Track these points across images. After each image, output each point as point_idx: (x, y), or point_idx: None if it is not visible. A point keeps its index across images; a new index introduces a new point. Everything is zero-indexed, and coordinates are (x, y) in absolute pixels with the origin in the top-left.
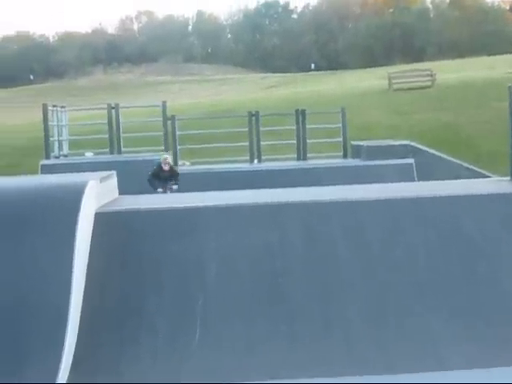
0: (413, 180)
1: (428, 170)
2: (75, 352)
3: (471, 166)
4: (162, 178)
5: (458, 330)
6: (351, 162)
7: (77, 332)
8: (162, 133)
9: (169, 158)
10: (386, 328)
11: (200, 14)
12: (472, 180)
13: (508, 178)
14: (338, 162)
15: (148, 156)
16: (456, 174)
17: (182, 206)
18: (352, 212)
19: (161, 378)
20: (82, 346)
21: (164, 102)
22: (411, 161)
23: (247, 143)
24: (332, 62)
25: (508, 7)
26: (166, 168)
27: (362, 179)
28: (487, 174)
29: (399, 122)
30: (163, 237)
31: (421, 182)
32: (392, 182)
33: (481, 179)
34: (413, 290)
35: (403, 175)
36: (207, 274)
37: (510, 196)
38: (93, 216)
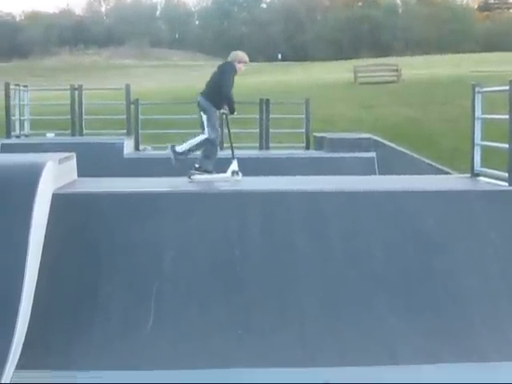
0: (374, 173)
1: (389, 164)
2: (27, 335)
3: (433, 163)
4: None
5: (413, 325)
6: (313, 153)
7: (29, 315)
8: (124, 116)
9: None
10: (340, 320)
11: None
12: (432, 176)
13: (468, 175)
14: (301, 152)
15: (109, 139)
16: (417, 169)
17: (141, 190)
18: (312, 203)
19: (113, 363)
20: (35, 329)
21: (128, 85)
22: (373, 154)
23: None
24: (299, 53)
25: (476, 6)
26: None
27: (324, 171)
28: (448, 170)
29: (363, 115)
30: (121, 221)
31: (381, 176)
32: (353, 174)
33: (441, 175)
34: (369, 283)
35: (365, 168)
36: (164, 259)
37: (469, 193)
38: (50, 197)
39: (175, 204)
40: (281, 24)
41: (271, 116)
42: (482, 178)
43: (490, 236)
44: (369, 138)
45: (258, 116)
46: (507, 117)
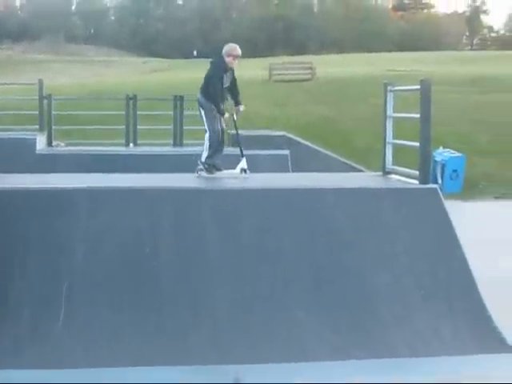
0: (287, 171)
1: (303, 161)
2: None
3: (346, 161)
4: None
5: (323, 321)
6: (228, 150)
7: None
8: (37, 112)
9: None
10: (252, 316)
11: None
12: (344, 174)
13: (380, 173)
14: None
15: (21, 134)
16: (331, 167)
17: (51, 186)
18: (224, 200)
19: (22, 361)
20: None
21: (41, 80)
22: (287, 152)
23: (124, 126)
24: (215, 51)
25: (391, 6)
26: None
27: None
28: (361, 168)
29: (277, 113)
30: (30, 218)
31: (294, 173)
32: (267, 171)
33: (353, 173)
34: (280, 279)
35: (278, 166)
36: (75, 257)
37: (381, 191)
38: None
39: (86, 200)
40: (197, 21)
41: (185, 113)
42: (393, 176)
43: (399, 233)
44: (283, 136)
45: (172, 112)
46: (418, 116)
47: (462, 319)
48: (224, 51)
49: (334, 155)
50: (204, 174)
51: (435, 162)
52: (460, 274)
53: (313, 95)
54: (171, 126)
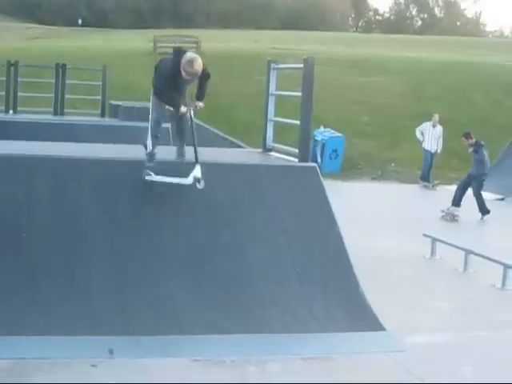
0: (168, 144)
1: None
2: None
3: (227, 136)
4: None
5: (200, 297)
6: (108, 121)
7: None
8: None
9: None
10: (127, 291)
11: None
12: (225, 149)
13: (260, 150)
14: (96, 120)
15: None
16: (211, 142)
17: None
18: (103, 171)
19: None
20: None
21: None
22: (167, 125)
23: (3, 93)
24: (100, 20)
25: None
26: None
27: (119, 139)
28: (242, 145)
29: None
30: None
31: (175, 147)
32: None
33: (234, 149)
34: (158, 255)
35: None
36: None
37: (260, 168)
38: None
39: None
40: None
41: (67, 81)
42: (273, 154)
43: (278, 211)
44: None
45: (53, 81)
46: (300, 94)
47: (336, 297)
48: (182, 61)
49: (215, 130)
50: (153, 177)
51: (315, 141)
52: (335, 252)
53: None
54: (52, 94)
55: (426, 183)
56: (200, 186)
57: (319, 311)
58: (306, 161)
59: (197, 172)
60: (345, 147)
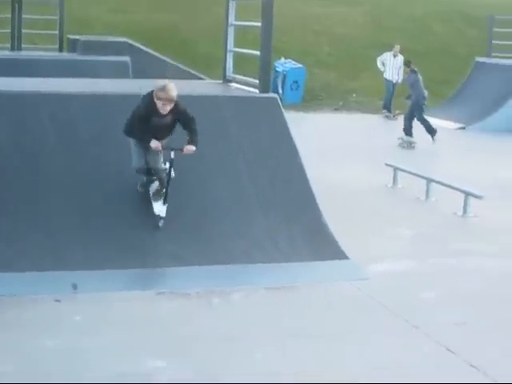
0: (128, 77)
1: (144, 68)
2: None
3: (187, 68)
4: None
5: (165, 230)
6: (67, 55)
7: None
8: None
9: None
10: (89, 225)
11: None
12: (185, 81)
13: (220, 81)
14: (54, 54)
15: None
16: (172, 74)
17: None
18: (63, 106)
19: None
20: None
21: None
22: (127, 58)
23: None
24: None
25: None
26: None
27: (78, 74)
28: (202, 76)
29: (118, 19)
30: None
31: (135, 80)
32: (107, 78)
33: (194, 81)
34: (118, 189)
35: (119, 72)
36: None
37: (220, 99)
38: None
39: None
40: None
41: (24, 16)
42: (233, 85)
43: (239, 142)
44: (124, 42)
45: (10, 15)
46: (259, 24)
47: (299, 228)
48: (155, 90)
49: (175, 63)
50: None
51: (276, 72)
52: (298, 183)
53: (155, 2)
54: (9, 30)
55: (387, 113)
56: (160, 224)
57: (283, 242)
58: (267, 92)
59: (162, 212)
60: (306, 78)
